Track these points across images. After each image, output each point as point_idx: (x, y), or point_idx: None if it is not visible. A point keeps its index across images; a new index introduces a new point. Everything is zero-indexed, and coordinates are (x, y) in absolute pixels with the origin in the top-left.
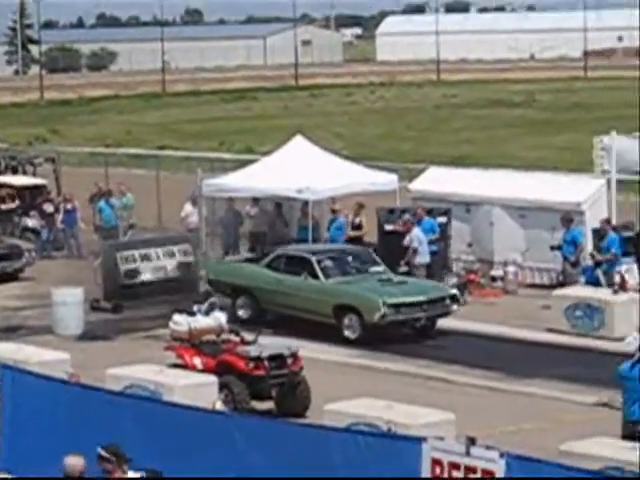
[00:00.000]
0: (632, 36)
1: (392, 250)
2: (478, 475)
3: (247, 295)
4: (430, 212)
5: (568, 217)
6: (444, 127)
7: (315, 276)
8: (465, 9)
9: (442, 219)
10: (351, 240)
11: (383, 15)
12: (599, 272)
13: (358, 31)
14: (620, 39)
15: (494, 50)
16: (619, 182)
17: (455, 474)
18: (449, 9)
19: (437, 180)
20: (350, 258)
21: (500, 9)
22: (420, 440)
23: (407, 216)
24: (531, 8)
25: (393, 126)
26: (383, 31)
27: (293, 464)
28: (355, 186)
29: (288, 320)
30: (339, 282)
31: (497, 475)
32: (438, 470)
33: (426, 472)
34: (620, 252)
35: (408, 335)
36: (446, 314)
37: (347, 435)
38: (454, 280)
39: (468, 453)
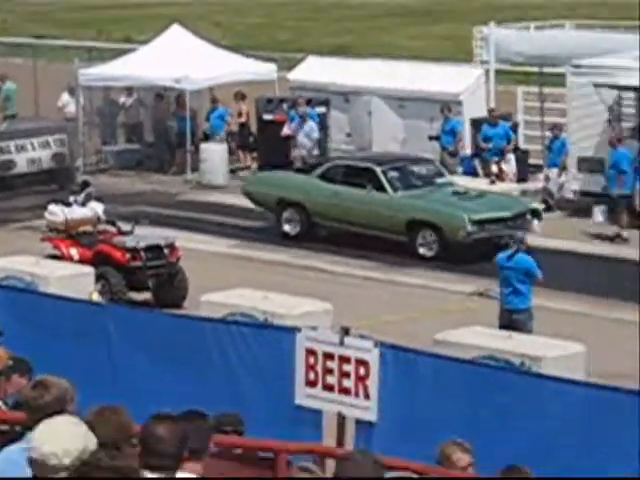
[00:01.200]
0: None
1: (270, 140)
2: (352, 364)
3: (295, 209)
4: (309, 102)
5: (447, 107)
6: (325, 16)
7: (381, 189)
8: None
9: (321, 109)
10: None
11: None
12: (476, 162)
13: None
14: None
15: None
16: (498, 72)
17: (329, 364)
18: None
19: (316, 70)
20: (415, 168)
21: None
22: (294, 330)
23: (302, 108)
24: None
25: (273, 15)
26: None
27: (168, 354)
28: (233, 75)
29: (342, 235)
30: (410, 196)
31: (371, 364)
32: (312, 360)
33: (300, 362)
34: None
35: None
36: (526, 231)
37: (221, 325)
38: None
39: (342, 343)
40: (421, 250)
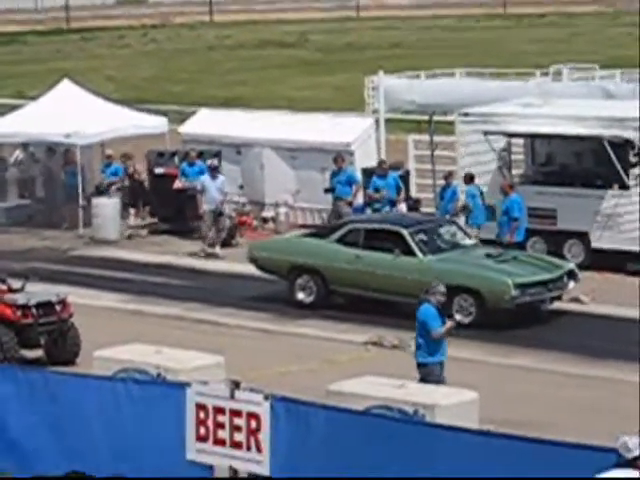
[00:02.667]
0: None
1: (163, 193)
2: (243, 418)
3: (311, 275)
4: (200, 155)
5: (340, 157)
6: (217, 69)
7: (409, 253)
8: None
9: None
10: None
11: None
12: (369, 212)
13: None
14: None
15: None
16: (389, 121)
17: (220, 418)
18: None
19: (207, 122)
20: (442, 230)
21: None
22: (183, 385)
23: (211, 161)
24: None
25: (166, 68)
26: None
27: (55, 412)
28: (124, 130)
29: (361, 302)
30: (441, 259)
31: (262, 417)
32: (202, 415)
33: (190, 417)
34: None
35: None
36: (561, 295)
37: (107, 382)
38: (227, 222)
39: (232, 397)
40: (457, 317)
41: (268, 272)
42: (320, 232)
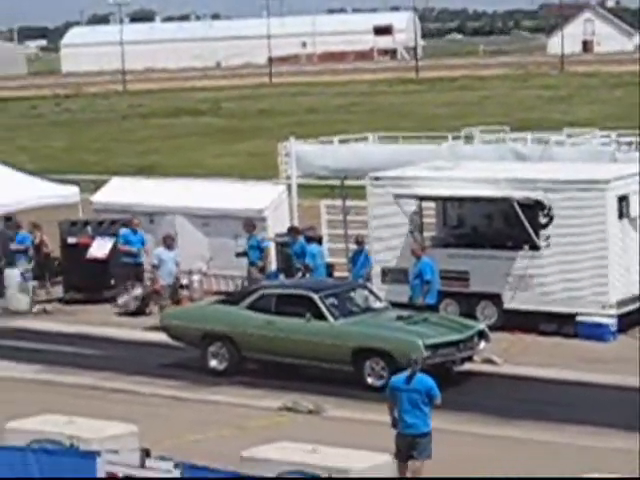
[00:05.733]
0: (315, 42)
1: (76, 263)
2: None
3: (223, 342)
4: (114, 223)
5: (250, 223)
6: (131, 137)
7: (320, 317)
8: (150, 18)
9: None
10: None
11: (68, 26)
12: (282, 277)
13: (43, 42)
14: (304, 45)
15: (180, 59)
16: (301, 187)
17: None
18: (134, 19)
19: (120, 191)
20: (352, 294)
21: (185, 18)
22: (94, 454)
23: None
24: (216, 16)
25: (79, 138)
26: (68, 42)
27: None
28: (34, 200)
29: (274, 368)
30: (352, 322)
31: None
32: None
33: None
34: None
35: None
36: (472, 355)
37: (18, 454)
38: (139, 291)
39: (143, 465)
40: (369, 380)
41: (180, 340)
42: (232, 299)
